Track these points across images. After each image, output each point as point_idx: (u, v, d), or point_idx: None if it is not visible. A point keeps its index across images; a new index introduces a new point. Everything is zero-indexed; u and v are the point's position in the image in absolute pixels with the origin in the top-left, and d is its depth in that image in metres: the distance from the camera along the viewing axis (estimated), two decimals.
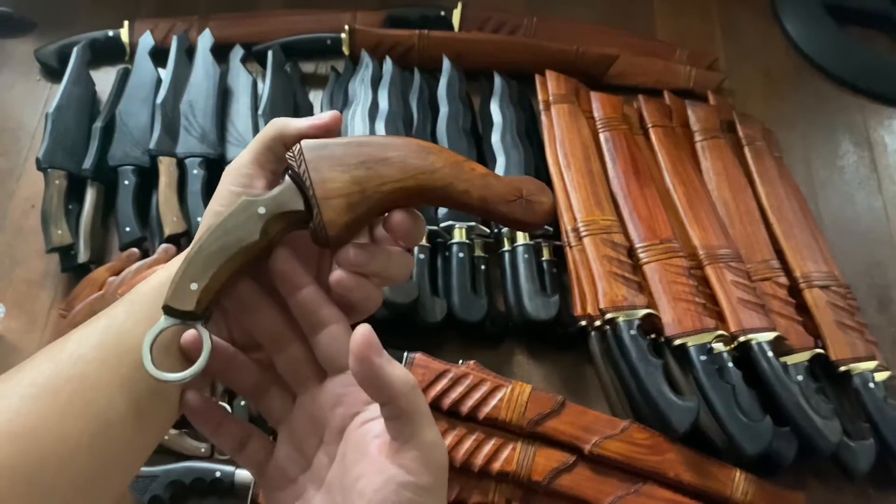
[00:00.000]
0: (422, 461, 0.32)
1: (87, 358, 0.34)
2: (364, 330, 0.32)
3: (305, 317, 0.36)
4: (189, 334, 0.35)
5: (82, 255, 0.79)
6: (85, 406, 0.33)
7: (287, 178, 0.36)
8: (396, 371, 0.32)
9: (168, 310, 0.34)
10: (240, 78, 0.93)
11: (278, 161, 0.38)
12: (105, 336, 0.35)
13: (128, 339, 0.35)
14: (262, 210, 0.35)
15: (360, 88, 0.91)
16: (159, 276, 0.37)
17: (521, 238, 0.79)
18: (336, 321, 0.36)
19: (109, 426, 0.33)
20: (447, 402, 0.67)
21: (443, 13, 1.02)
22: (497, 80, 0.94)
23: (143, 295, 0.36)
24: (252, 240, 0.34)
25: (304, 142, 0.36)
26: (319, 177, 0.35)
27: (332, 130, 0.38)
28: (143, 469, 0.67)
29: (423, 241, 0.78)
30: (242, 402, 0.72)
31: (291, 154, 0.36)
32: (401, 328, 0.74)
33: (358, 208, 0.35)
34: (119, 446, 0.34)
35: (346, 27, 0.96)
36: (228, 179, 0.38)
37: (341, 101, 0.92)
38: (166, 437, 0.70)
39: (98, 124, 0.85)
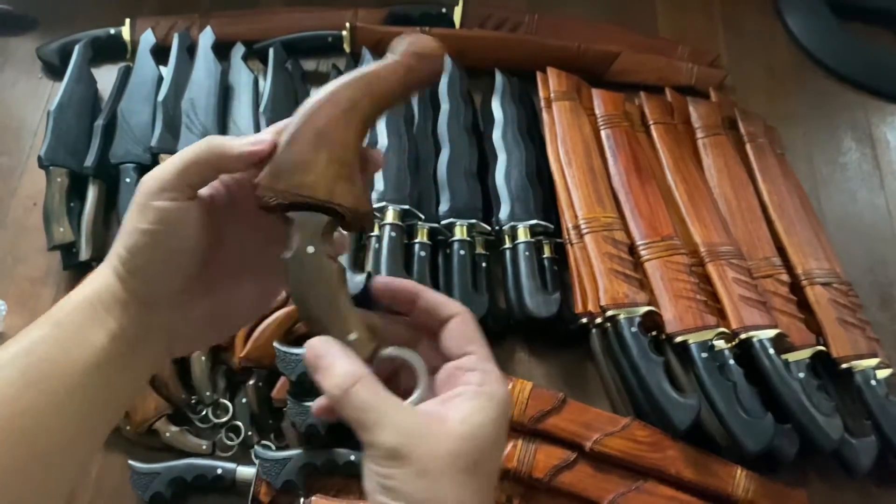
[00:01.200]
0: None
1: (16, 385, 0.33)
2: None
3: (430, 318, 0.38)
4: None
5: (84, 253, 0.79)
6: (20, 435, 0.32)
7: (290, 216, 0.36)
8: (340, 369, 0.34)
9: None
10: (241, 75, 0.93)
11: (204, 183, 0.37)
12: (41, 363, 0.34)
13: (58, 367, 0.34)
14: (311, 249, 0.36)
15: None
16: (82, 292, 0.36)
17: (522, 235, 0.79)
18: (457, 313, 0.37)
19: (45, 453, 0.33)
20: None
21: (444, 10, 1.02)
22: (498, 77, 0.94)
23: (68, 315, 0.35)
24: (332, 272, 0.36)
25: (259, 177, 0.36)
26: (308, 190, 0.36)
27: (267, 157, 0.36)
28: (145, 466, 0.67)
29: (425, 239, 0.78)
30: (244, 400, 0.72)
31: (264, 195, 0.36)
32: None
33: (354, 175, 0.37)
34: (54, 472, 0.34)
35: (348, 24, 0.96)
36: (156, 196, 0.35)
37: None
38: (167, 435, 0.70)
39: (100, 122, 0.85)
